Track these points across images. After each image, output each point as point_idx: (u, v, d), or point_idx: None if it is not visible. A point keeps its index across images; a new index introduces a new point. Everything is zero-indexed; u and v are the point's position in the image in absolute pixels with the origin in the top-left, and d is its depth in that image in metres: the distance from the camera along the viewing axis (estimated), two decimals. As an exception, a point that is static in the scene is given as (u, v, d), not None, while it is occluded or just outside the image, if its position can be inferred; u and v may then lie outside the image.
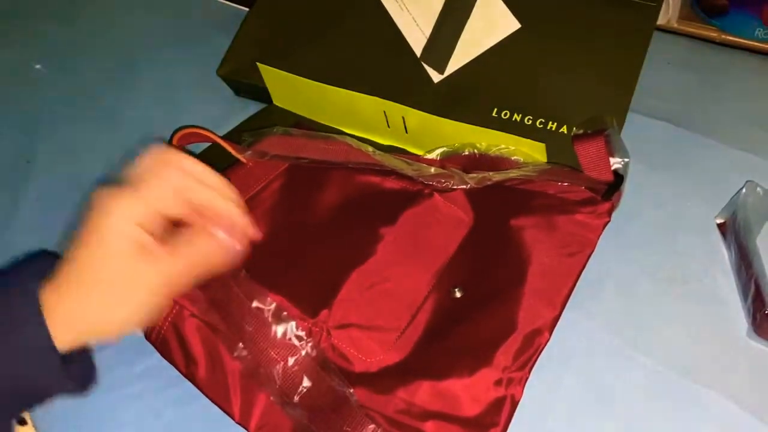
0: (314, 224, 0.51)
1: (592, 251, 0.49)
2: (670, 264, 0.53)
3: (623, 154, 0.53)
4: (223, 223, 0.40)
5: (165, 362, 0.48)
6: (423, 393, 0.44)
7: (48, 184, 0.63)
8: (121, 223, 0.38)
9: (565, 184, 0.51)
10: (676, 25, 0.73)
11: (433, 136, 0.58)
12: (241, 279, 0.45)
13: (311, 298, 0.46)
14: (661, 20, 0.70)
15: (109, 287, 0.38)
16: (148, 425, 0.49)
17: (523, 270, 0.48)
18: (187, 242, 0.40)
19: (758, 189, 0.53)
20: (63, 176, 0.63)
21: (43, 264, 0.39)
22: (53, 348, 0.37)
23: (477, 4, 0.59)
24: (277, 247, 0.49)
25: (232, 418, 0.45)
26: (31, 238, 0.59)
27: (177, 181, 0.40)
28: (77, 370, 0.39)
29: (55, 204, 0.61)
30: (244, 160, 0.52)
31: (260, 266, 0.46)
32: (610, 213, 0.50)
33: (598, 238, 0.49)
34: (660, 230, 0.55)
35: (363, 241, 0.50)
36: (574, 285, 0.48)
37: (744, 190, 0.53)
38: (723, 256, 0.53)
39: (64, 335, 0.37)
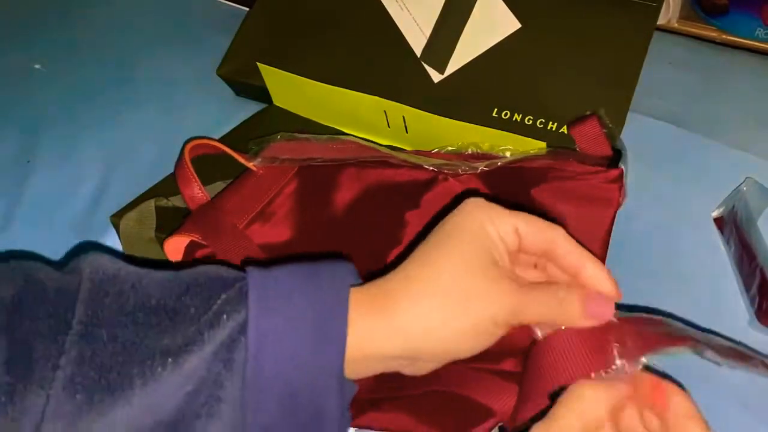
0: (336, 222, 0.50)
1: (617, 209, 0.50)
2: (671, 263, 0.53)
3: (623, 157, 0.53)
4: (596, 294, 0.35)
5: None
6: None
7: (48, 184, 0.63)
8: (485, 222, 0.33)
9: (570, 160, 0.52)
10: (676, 25, 0.73)
11: (433, 136, 0.58)
12: None
13: None
14: (661, 20, 0.70)
15: (444, 300, 0.32)
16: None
17: None
18: (548, 291, 0.34)
19: (757, 184, 0.53)
20: (63, 176, 0.63)
21: (346, 267, 0.35)
22: (341, 378, 0.31)
23: (477, 4, 0.59)
24: (306, 245, 0.48)
25: None
26: (31, 238, 0.59)
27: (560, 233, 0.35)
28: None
29: (56, 204, 0.61)
30: (253, 167, 0.52)
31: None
32: (621, 178, 0.51)
33: (617, 198, 0.50)
34: (660, 230, 0.55)
35: (390, 228, 0.49)
36: (608, 240, 0.49)
37: (744, 187, 0.53)
38: (723, 254, 0.53)
39: (364, 350, 0.32)
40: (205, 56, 0.69)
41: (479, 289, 0.32)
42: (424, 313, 0.32)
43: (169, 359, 0.30)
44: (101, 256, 0.35)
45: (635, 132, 0.55)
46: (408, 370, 0.35)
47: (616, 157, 0.52)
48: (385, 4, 0.61)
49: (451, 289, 0.32)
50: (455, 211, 0.35)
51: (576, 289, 0.35)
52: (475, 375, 0.41)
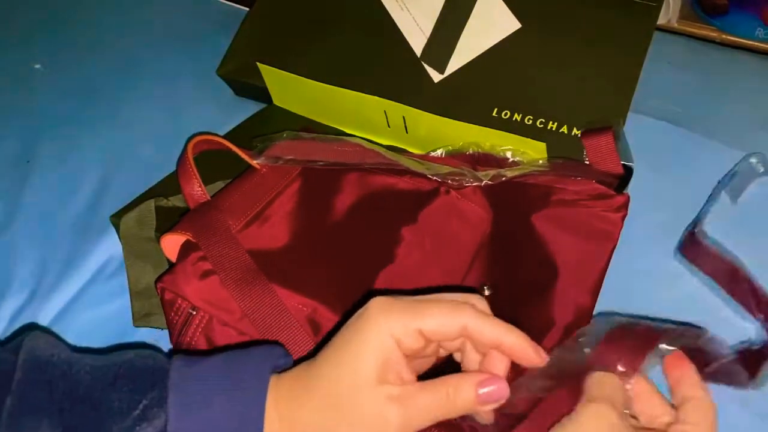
0: (334, 227, 0.50)
1: (615, 245, 0.50)
2: (670, 263, 0.53)
3: (627, 157, 0.53)
4: (499, 377, 0.35)
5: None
6: None
7: (48, 184, 0.63)
8: (383, 333, 0.33)
9: (578, 178, 0.51)
10: (676, 25, 0.73)
11: (433, 135, 0.58)
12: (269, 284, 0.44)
13: (344, 302, 0.45)
14: (661, 20, 0.70)
15: (338, 418, 0.34)
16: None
17: (552, 265, 0.49)
18: (435, 393, 0.34)
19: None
20: (63, 176, 0.63)
21: (272, 353, 0.37)
22: None
23: (477, 4, 0.59)
24: (300, 251, 0.48)
25: None
26: (31, 238, 0.59)
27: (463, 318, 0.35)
28: None
29: (55, 204, 0.61)
30: (257, 166, 0.52)
31: (286, 271, 0.45)
32: (626, 206, 0.51)
33: (619, 232, 0.50)
34: (660, 230, 0.55)
35: (385, 242, 0.49)
36: (603, 276, 0.49)
37: (753, 159, 0.56)
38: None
39: None
40: (205, 56, 0.69)
41: (366, 411, 0.33)
42: (321, 427, 0.34)
43: None
44: (38, 339, 0.37)
45: (635, 132, 0.55)
46: None
47: (626, 177, 0.52)
48: (385, 4, 0.61)
49: (343, 407, 0.33)
50: (359, 315, 0.35)
51: (466, 377, 0.35)
52: None
